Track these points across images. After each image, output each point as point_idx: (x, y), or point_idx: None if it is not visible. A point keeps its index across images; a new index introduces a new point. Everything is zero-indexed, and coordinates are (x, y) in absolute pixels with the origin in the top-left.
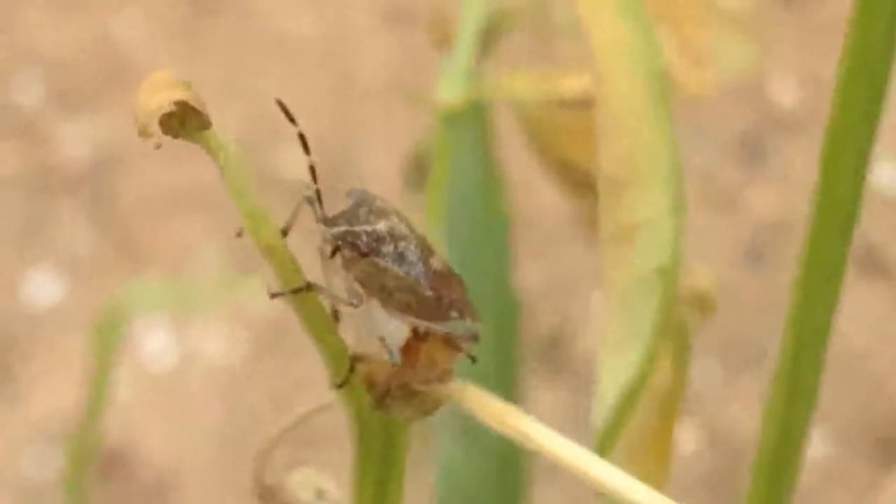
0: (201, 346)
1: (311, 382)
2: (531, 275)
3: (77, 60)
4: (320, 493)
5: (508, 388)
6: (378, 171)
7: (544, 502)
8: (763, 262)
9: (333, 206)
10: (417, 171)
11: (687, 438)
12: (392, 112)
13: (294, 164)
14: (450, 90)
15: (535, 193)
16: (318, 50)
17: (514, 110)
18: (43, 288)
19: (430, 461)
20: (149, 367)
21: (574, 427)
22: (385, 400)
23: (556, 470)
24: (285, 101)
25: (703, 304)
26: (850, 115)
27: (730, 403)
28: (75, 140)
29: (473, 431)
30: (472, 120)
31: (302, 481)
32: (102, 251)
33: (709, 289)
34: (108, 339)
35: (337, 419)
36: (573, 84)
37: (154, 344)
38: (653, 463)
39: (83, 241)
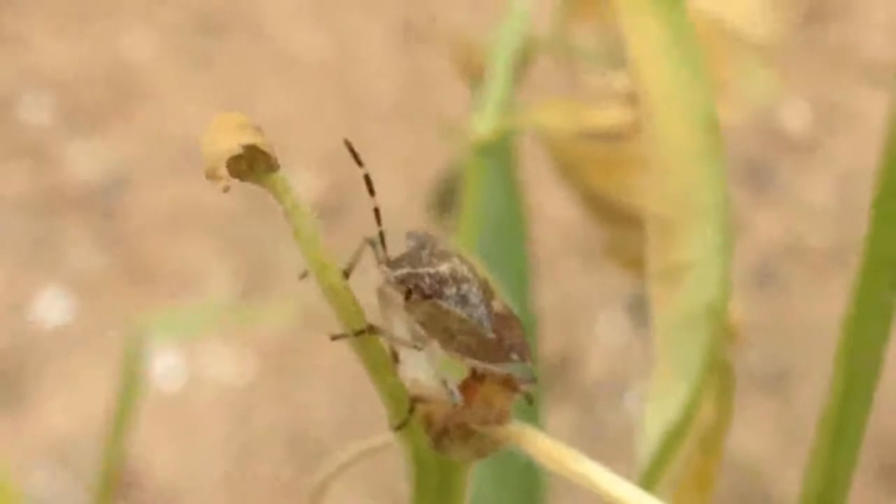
0: (210, 366)
1: (317, 405)
2: (538, 297)
3: (85, 80)
4: None
5: (530, 414)
6: (389, 193)
7: None
8: (770, 286)
9: (346, 232)
10: (442, 198)
11: None
12: (403, 134)
13: (305, 188)
14: (484, 122)
15: (541, 215)
16: (328, 71)
17: (542, 140)
18: (51, 307)
19: None
20: (158, 388)
21: (582, 451)
22: (443, 440)
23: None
24: (294, 122)
25: (733, 335)
26: None
27: (735, 426)
28: (83, 160)
29: (499, 458)
30: (500, 149)
31: None
32: (111, 271)
33: (737, 320)
34: (133, 366)
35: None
36: (605, 115)
37: (163, 364)
38: (695, 499)
39: (91, 261)
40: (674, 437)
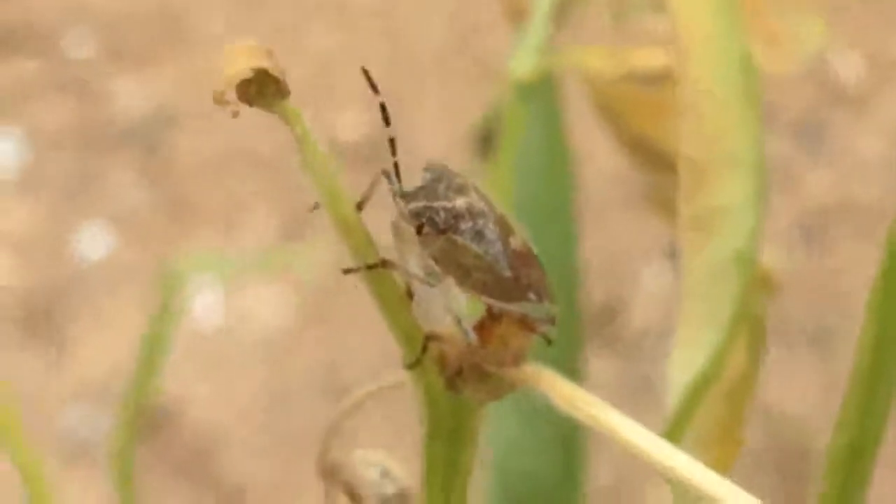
0: (250, 307)
1: (359, 349)
2: (583, 247)
3: (131, 17)
4: (385, 473)
5: (571, 363)
6: (433, 135)
7: (594, 477)
8: (817, 242)
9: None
10: (484, 142)
11: None
12: (449, 77)
13: (350, 127)
14: (523, 63)
15: (587, 164)
16: (375, 12)
17: (585, 84)
18: (93, 244)
19: (488, 438)
20: (197, 327)
21: (624, 402)
22: (457, 381)
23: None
24: (340, 62)
25: (765, 285)
26: None
27: (778, 384)
28: (128, 97)
29: (533, 408)
30: (543, 93)
31: (366, 460)
32: (153, 208)
33: (771, 270)
34: (167, 301)
35: (398, 400)
36: (648, 59)
37: (203, 304)
38: (720, 452)
39: (134, 198)
40: (700, 387)
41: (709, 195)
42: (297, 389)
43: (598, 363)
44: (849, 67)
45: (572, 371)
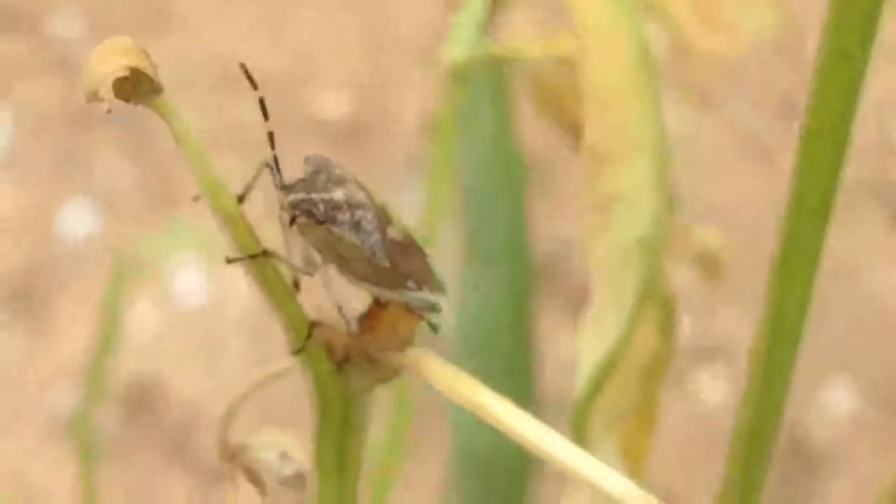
0: (232, 283)
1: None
2: (562, 225)
3: None
4: (284, 455)
5: (523, 341)
6: (406, 118)
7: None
8: None
9: (367, 153)
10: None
11: (716, 388)
12: (427, 57)
13: (330, 104)
14: (457, 49)
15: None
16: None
17: (518, 69)
18: (77, 222)
19: (446, 420)
20: (179, 304)
21: None
22: (344, 366)
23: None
24: (321, 44)
25: (713, 265)
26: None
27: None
28: None
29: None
30: (487, 75)
31: (265, 443)
32: (138, 187)
33: (717, 250)
34: (125, 273)
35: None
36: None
37: (185, 281)
38: (636, 432)
39: (119, 177)
40: (606, 369)
41: (609, 182)
42: (281, 364)
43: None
44: None
45: (524, 350)
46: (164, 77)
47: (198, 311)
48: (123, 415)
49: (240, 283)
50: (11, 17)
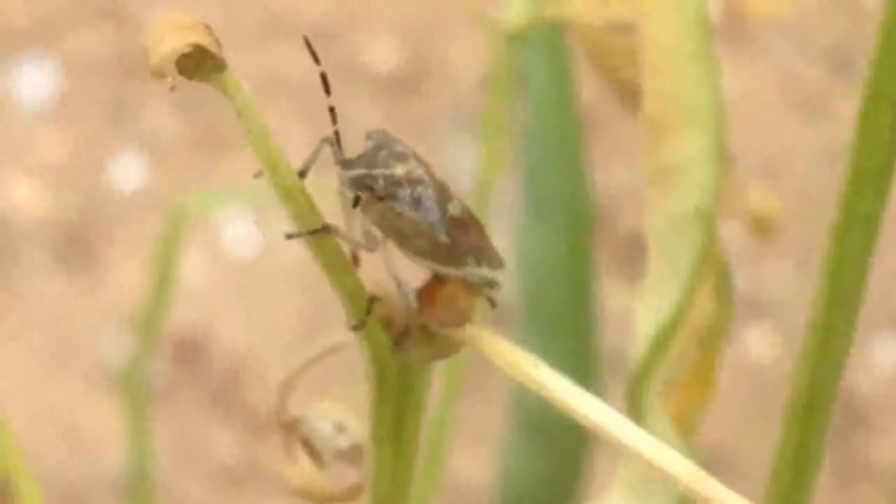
0: (280, 235)
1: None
2: (613, 177)
3: None
4: (340, 427)
5: (584, 297)
6: (463, 70)
7: None
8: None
9: (421, 100)
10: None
11: (765, 343)
12: (479, 8)
13: (377, 54)
14: (513, 11)
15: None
16: None
17: (572, 31)
18: (127, 171)
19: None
20: (229, 256)
21: None
22: (402, 341)
23: None
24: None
25: (764, 225)
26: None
27: (806, 309)
28: None
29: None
30: (544, 37)
31: (322, 414)
32: (187, 136)
33: (770, 210)
34: (177, 225)
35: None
36: (628, 7)
37: (235, 232)
38: (693, 396)
39: (168, 126)
40: (664, 337)
41: (668, 151)
42: (328, 318)
43: (625, 293)
44: None
45: (584, 305)
46: (215, 25)
47: (247, 262)
48: (171, 364)
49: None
50: None
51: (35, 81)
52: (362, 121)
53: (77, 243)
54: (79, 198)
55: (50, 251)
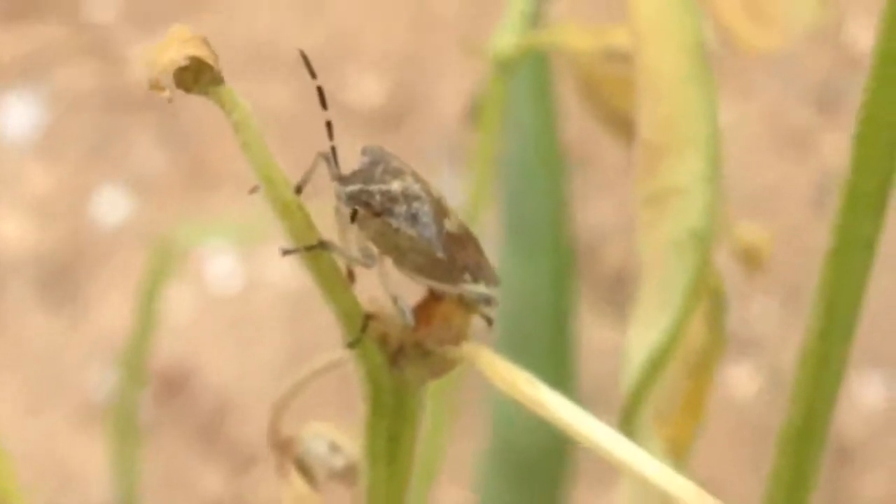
0: (266, 270)
1: None
2: (598, 213)
3: None
4: (334, 447)
5: (563, 331)
6: (448, 104)
7: None
8: (831, 206)
9: (407, 135)
10: (478, 114)
11: (748, 381)
12: (467, 41)
13: (366, 87)
14: (504, 39)
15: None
16: None
17: (565, 60)
18: (111, 206)
19: (486, 404)
20: (213, 291)
21: None
22: (398, 359)
23: None
24: (363, 28)
25: (755, 260)
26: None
27: (791, 346)
28: None
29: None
30: (532, 66)
31: (316, 434)
32: (172, 171)
33: (761, 244)
34: (163, 259)
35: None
36: (623, 36)
37: (219, 267)
38: (684, 424)
39: (153, 161)
40: (656, 362)
41: (663, 175)
42: (314, 351)
43: (611, 328)
44: (866, 33)
45: (564, 338)
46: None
47: (232, 296)
48: (156, 398)
49: (274, 270)
50: (49, 2)
51: (21, 115)
52: (348, 155)
53: (62, 277)
54: (64, 232)
55: (35, 285)
